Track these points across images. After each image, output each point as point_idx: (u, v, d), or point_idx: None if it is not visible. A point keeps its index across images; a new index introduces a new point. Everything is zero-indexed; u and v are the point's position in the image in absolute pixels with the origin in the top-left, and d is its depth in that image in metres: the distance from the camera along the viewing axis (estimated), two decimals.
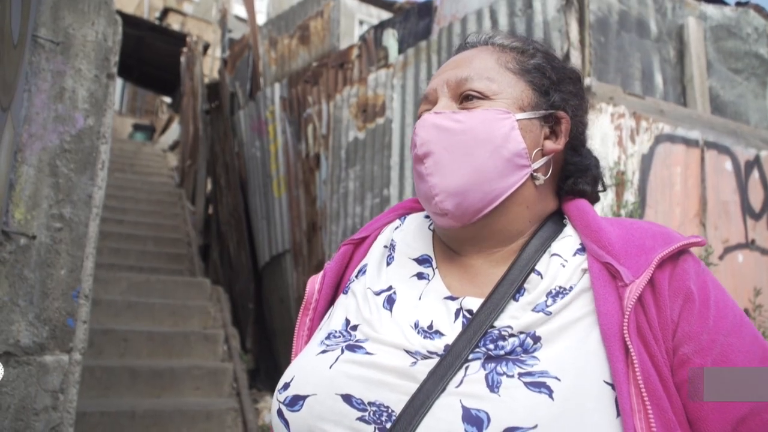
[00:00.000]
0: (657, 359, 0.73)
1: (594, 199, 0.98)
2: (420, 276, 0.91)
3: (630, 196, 3.31)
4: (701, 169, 3.62)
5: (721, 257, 3.55)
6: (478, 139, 0.85)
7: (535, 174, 0.88)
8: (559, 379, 0.69)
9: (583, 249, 0.84)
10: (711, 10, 4.28)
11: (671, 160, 3.53)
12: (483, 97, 0.88)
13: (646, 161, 3.44)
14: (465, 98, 0.89)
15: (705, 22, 4.20)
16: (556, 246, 0.86)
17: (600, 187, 0.99)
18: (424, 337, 0.79)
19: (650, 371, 0.71)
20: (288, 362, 0.88)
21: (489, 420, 0.67)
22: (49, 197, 2.28)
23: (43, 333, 2.21)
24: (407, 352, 0.77)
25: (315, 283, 0.99)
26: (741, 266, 3.65)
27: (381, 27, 5.98)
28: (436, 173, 0.86)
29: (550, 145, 0.90)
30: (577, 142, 0.95)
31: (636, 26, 3.87)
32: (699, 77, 3.99)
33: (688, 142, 3.60)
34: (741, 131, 3.90)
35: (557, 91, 0.92)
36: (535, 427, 0.66)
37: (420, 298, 0.87)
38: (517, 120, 0.87)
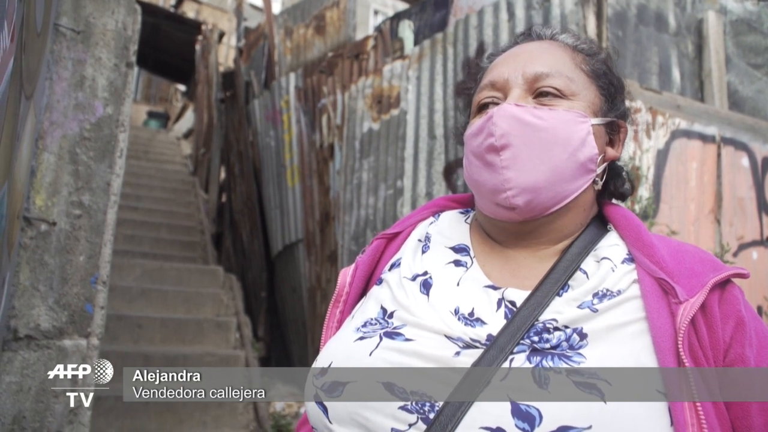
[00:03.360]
0: (707, 377, 0.74)
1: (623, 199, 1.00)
2: (457, 263, 0.91)
3: (644, 192, 3.30)
4: (717, 165, 3.60)
5: (735, 254, 3.53)
6: (559, 139, 0.84)
7: (595, 178, 0.89)
8: (609, 383, 0.69)
9: (631, 259, 0.84)
10: (731, 4, 4.23)
11: (687, 155, 3.51)
12: (561, 95, 0.87)
13: (662, 157, 3.42)
14: (541, 94, 0.88)
15: (725, 17, 4.15)
16: (605, 251, 0.86)
17: (629, 189, 1.00)
18: (465, 324, 0.79)
19: (702, 387, 0.72)
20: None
21: (541, 417, 0.66)
22: (69, 184, 2.31)
23: (63, 318, 2.25)
24: (448, 338, 0.77)
25: (346, 275, 0.98)
26: (755, 264, 3.63)
27: (397, 18, 5.96)
28: (513, 167, 0.84)
29: (610, 152, 0.92)
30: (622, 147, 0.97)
31: (654, 20, 3.84)
32: (717, 72, 3.95)
33: (705, 138, 3.58)
34: (759, 127, 3.86)
35: (622, 101, 0.94)
36: (590, 427, 0.65)
37: (458, 285, 0.86)
38: (592, 125, 0.87)
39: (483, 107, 0.92)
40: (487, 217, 0.91)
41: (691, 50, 4.00)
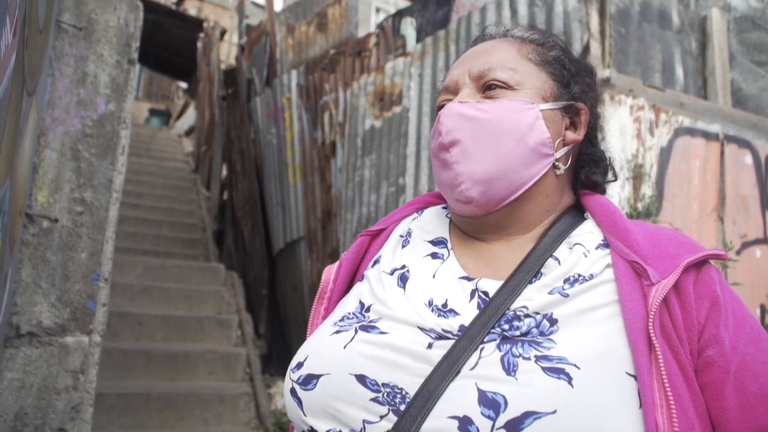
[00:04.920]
0: (681, 358, 0.74)
1: (603, 190, 1.00)
2: (434, 256, 0.92)
3: (647, 189, 3.29)
4: (720, 163, 3.59)
5: (738, 252, 3.52)
6: (504, 128, 0.86)
7: (556, 163, 0.90)
8: (578, 367, 0.69)
9: (606, 245, 0.85)
10: (735, 0, 4.22)
11: (690, 153, 3.50)
12: (506, 87, 0.89)
13: (665, 154, 3.41)
14: (488, 88, 0.90)
15: (729, 14, 4.14)
16: (578, 237, 0.86)
17: (611, 177, 1.01)
18: (438, 315, 0.80)
19: (674, 369, 0.72)
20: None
21: (506, 403, 0.67)
22: (71, 181, 2.31)
23: (65, 314, 2.25)
24: (421, 329, 0.78)
25: (330, 272, 1.00)
26: (759, 262, 3.62)
27: (399, 15, 5.95)
28: (462, 162, 0.87)
29: (570, 135, 0.92)
30: (592, 133, 0.98)
31: (658, 17, 3.83)
32: (721, 69, 3.94)
33: (708, 136, 3.57)
34: (762, 125, 3.85)
35: (577, 83, 0.95)
36: (555, 412, 0.65)
37: (434, 277, 0.88)
38: (541, 110, 0.88)
39: (439, 110, 0.95)
40: (456, 214, 0.94)
41: (694, 47, 3.99)
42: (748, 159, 3.71)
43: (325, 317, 0.95)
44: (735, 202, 3.60)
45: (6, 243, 1.82)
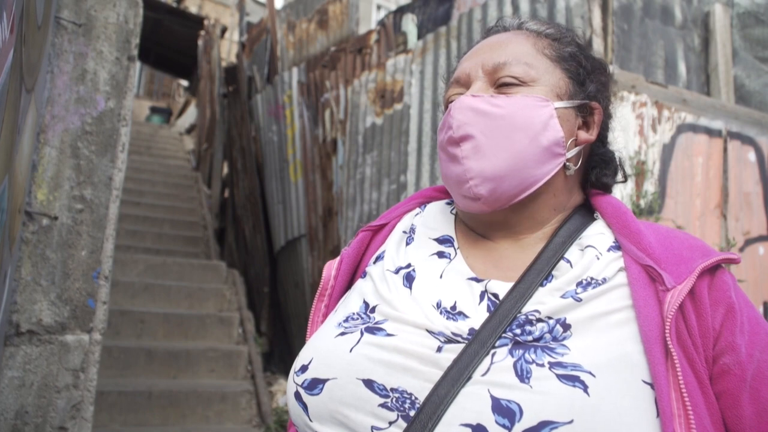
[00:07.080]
0: (696, 366, 0.72)
1: (610, 189, 0.98)
2: (441, 255, 0.89)
3: (650, 186, 3.27)
4: (723, 159, 3.57)
5: (741, 249, 3.51)
6: (517, 125, 0.83)
7: (567, 163, 0.87)
8: (593, 375, 0.67)
9: (617, 247, 0.82)
10: None
11: (693, 150, 3.48)
12: (521, 82, 0.87)
13: (667, 151, 3.39)
14: (502, 83, 0.87)
15: (732, 9, 4.12)
16: (590, 239, 0.84)
17: (621, 178, 0.99)
18: (447, 318, 0.78)
19: (690, 377, 0.70)
20: (302, 346, 0.86)
21: (521, 412, 0.64)
22: (70, 179, 2.30)
23: (65, 312, 2.24)
24: (429, 332, 0.75)
25: (331, 269, 0.98)
26: (762, 259, 3.61)
27: (400, 12, 5.93)
28: (472, 157, 0.84)
29: (583, 135, 0.90)
30: (604, 133, 0.95)
31: (660, 13, 3.81)
32: (724, 66, 3.92)
33: (711, 132, 3.55)
34: (766, 121, 3.83)
35: (592, 81, 0.92)
36: (571, 422, 0.63)
37: (441, 277, 0.85)
38: (555, 108, 0.86)
39: (449, 104, 0.93)
40: (461, 210, 0.91)
41: (697, 44, 3.97)
42: (752, 156, 3.69)
43: (326, 315, 0.93)
44: (738, 198, 3.58)
45: (5, 241, 1.81)
